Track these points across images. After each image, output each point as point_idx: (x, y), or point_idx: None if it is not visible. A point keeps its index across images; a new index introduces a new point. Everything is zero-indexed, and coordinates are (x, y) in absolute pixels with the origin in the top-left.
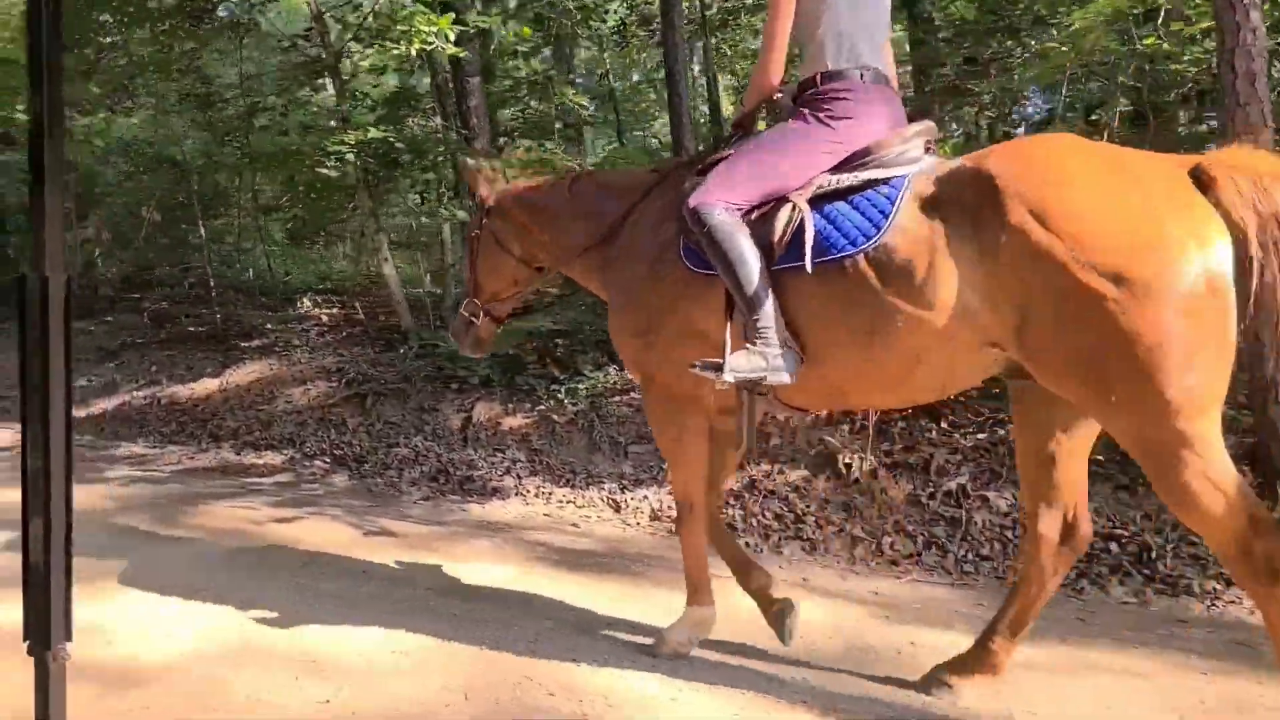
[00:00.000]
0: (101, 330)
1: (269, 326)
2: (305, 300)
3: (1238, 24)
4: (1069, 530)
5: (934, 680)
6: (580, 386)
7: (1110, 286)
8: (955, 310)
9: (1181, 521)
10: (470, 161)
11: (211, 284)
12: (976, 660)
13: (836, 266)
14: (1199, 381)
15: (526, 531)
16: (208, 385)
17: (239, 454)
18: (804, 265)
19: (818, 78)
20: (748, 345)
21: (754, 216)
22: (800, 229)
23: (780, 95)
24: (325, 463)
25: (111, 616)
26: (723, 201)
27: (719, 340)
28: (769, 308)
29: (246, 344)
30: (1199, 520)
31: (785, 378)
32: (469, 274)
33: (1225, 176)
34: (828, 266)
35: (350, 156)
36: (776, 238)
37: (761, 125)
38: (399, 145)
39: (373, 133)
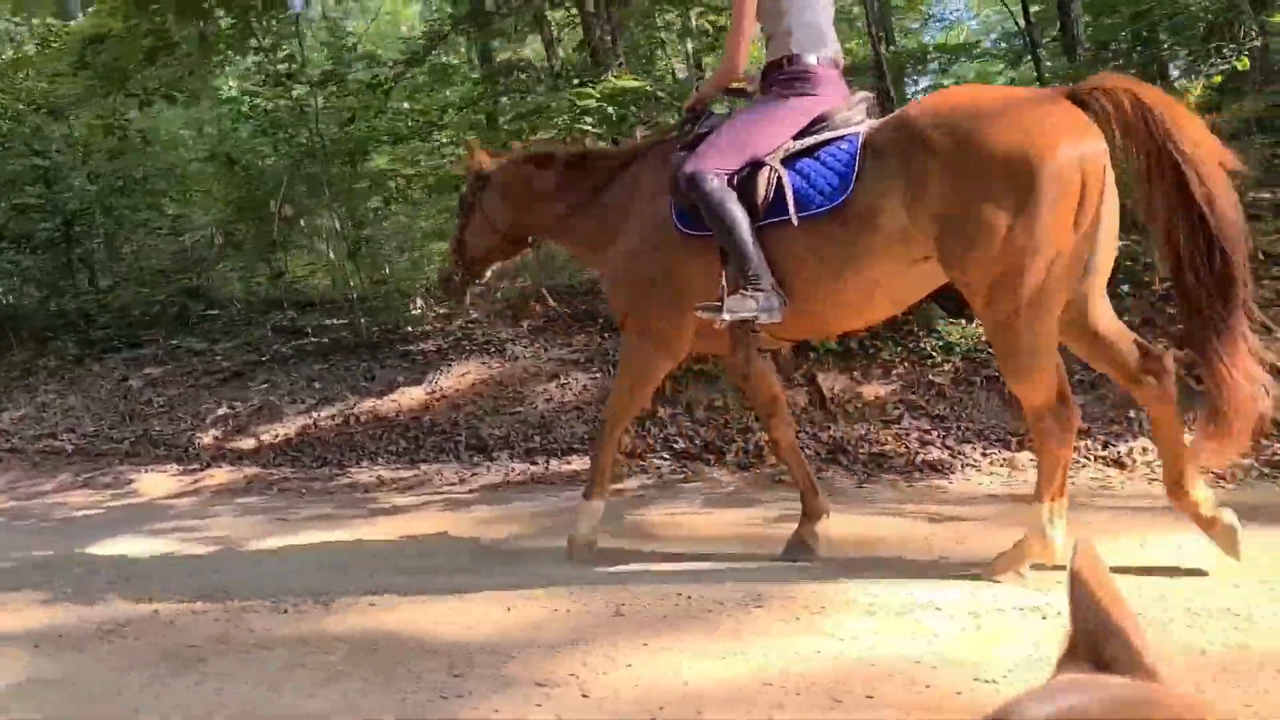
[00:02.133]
0: (224, 348)
1: (450, 325)
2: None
3: None
4: (1149, 361)
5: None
6: (952, 340)
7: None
8: (899, 236)
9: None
10: (473, 143)
11: (352, 287)
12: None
13: (817, 218)
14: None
15: (1089, 502)
16: (413, 395)
17: (535, 463)
18: (787, 219)
19: (784, 60)
20: (741, 290)
21: (734, 181)
22: (779, 188)
23: (742, 83)
24: (666, 458)
25: None
26: (713, 168)
27: (708, 290)
28: (758, 258)
29: (413, 348)
30: (1025, 389)
31: (776, 316)
32: (454, 237)
33: (1089, 95)
34: (809, 219)
35: (610, 111)
36: (760, 198)
37: (718, 106)
38: (659, 94)
39: (624, 82)
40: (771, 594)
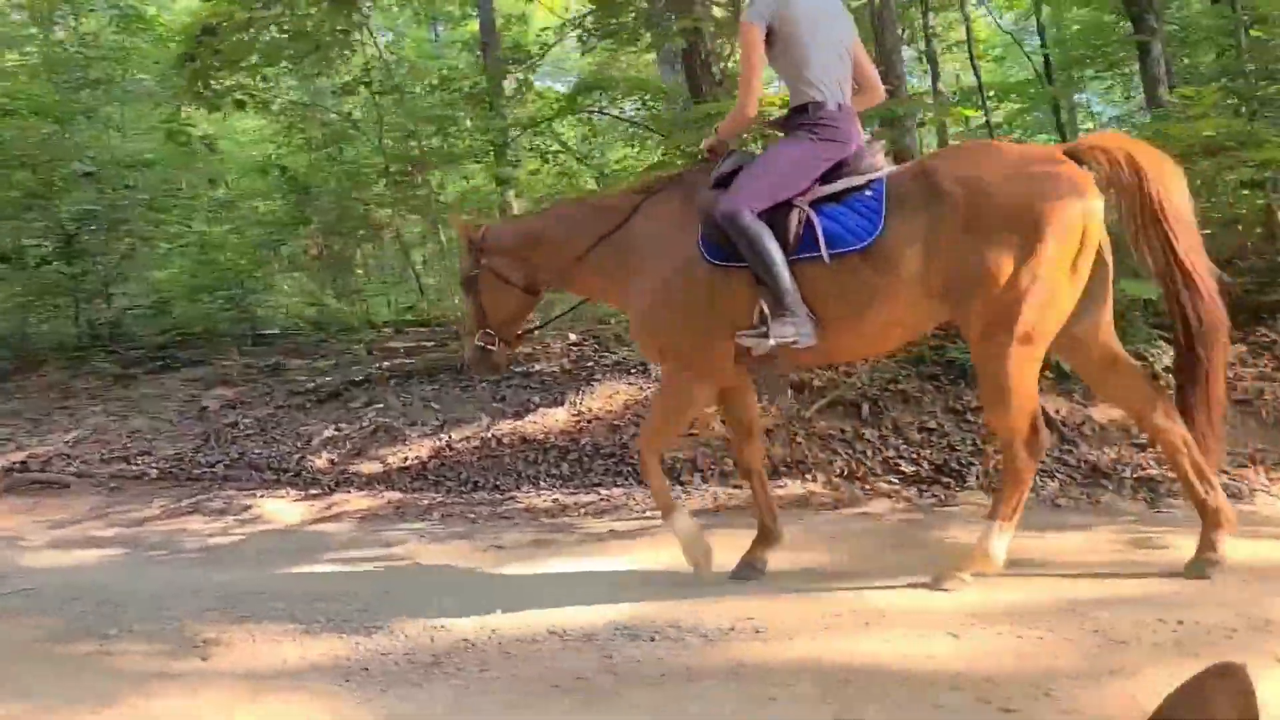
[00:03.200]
0: (306, 367)
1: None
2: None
3: None
4: (1158, 396)
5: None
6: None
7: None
8: (917, 276)
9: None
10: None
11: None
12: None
13: (847, 256)
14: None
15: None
16: (556, 416)
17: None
18: (817, 256)
19: (809, 107)
20: (780, 317)
21: (765, 219)
22: (810, 227)
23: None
24: (894, 482)
25: None
26: (748, 206)
27: (739, 318)
28: (794, 289)
29: (534, 369)
30: (1001, 423)
31: (812, 340)
32: (473, 309)
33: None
34: (838, 256)
35: None
36: (791, 235)
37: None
38: None
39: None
40: None
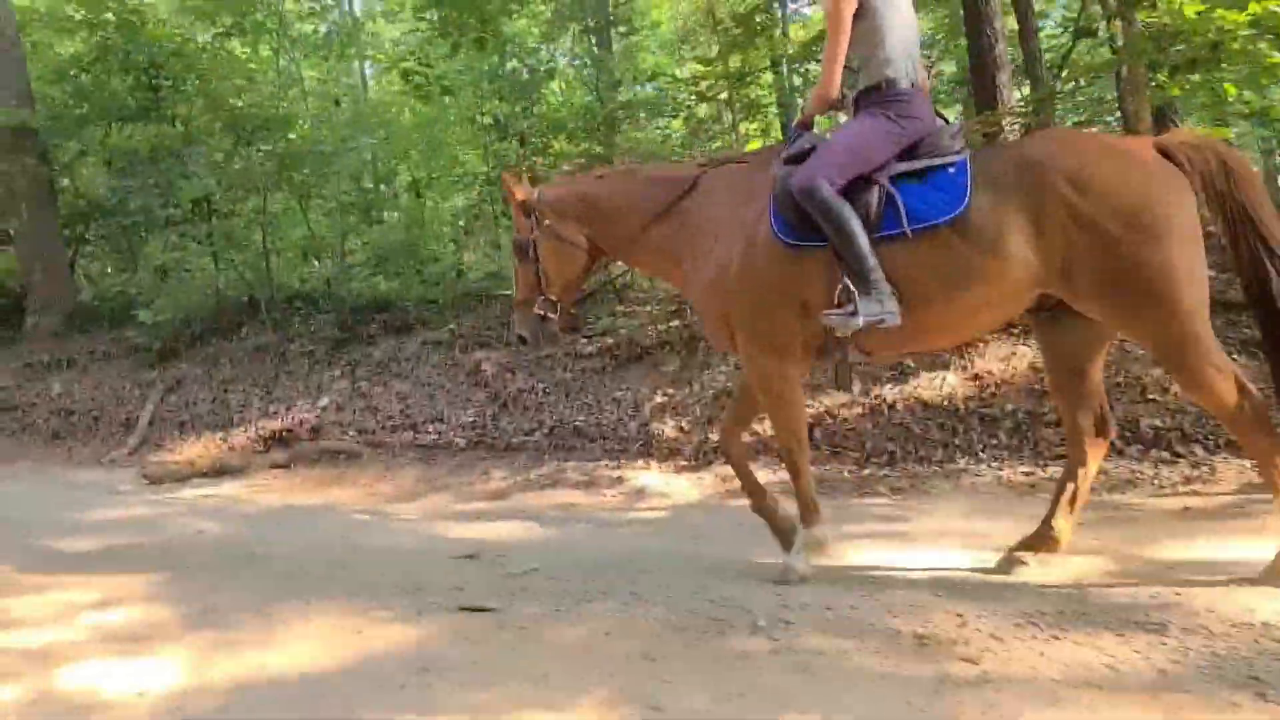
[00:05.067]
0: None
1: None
2: None
3: None
4: (1101, 423)
5: (1011, 560)
6: None
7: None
8: (1019, 262)
9: (1193, 399)
10: (507, 174)
11: None
12: (1041, 539)
13: (929, 232)
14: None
15: None
16: (947, 380)
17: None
18: (901, 232)
19: (883, 85)
20: (865, 295)
21: (844, 194)
22: (890, 202)
23: (843, 100)
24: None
25: None
26: (825, 179)
27: (817, 299)
28: (877, 266)
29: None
30: (1207, 394)
31: (898, 319)
32: (529, 275)
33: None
34: (921, 233)
35: None
36: (871, 211)
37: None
38: None
39: None
40: None
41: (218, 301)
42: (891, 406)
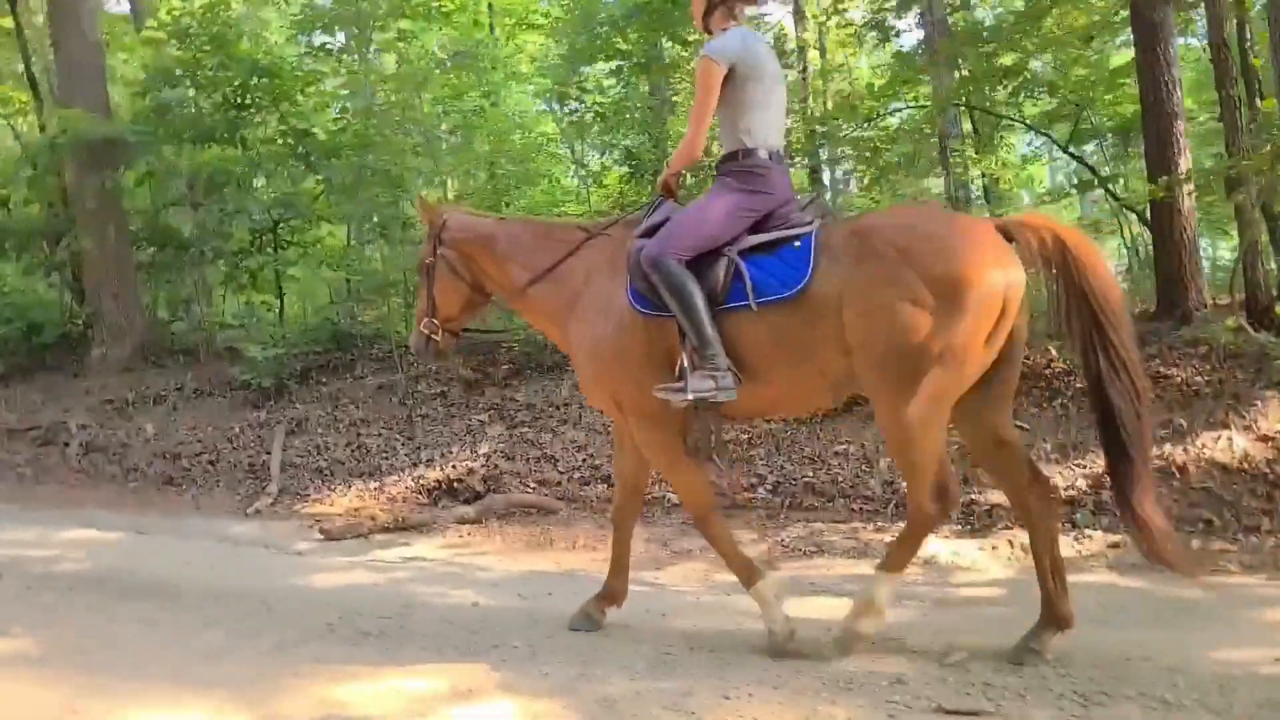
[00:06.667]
0: None
1: None
2: None
3: None
4: (1034, 472)
5: (1025, 651)
6: None
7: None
8: (848, 329)
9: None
10: (422, 196)
11: None
12: (1051, 620)
13: (774, 305)
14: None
15: None
16: (1234, 441)
17: None
18: (746, 305)
19: (739, 153)
20: (700, 370)
21: (692, 267)
22: (737, 275)
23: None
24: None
25: None
26: (673, 254)
27: (668, 370)
28: (715, 339)
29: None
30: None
31: (732, 395)
32: (425, 297)
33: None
34: (766, 305)
35: None
36: (719, 285)
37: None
38: None
39: None
40: None
41: (334, 335)
42: (1180, 469)
